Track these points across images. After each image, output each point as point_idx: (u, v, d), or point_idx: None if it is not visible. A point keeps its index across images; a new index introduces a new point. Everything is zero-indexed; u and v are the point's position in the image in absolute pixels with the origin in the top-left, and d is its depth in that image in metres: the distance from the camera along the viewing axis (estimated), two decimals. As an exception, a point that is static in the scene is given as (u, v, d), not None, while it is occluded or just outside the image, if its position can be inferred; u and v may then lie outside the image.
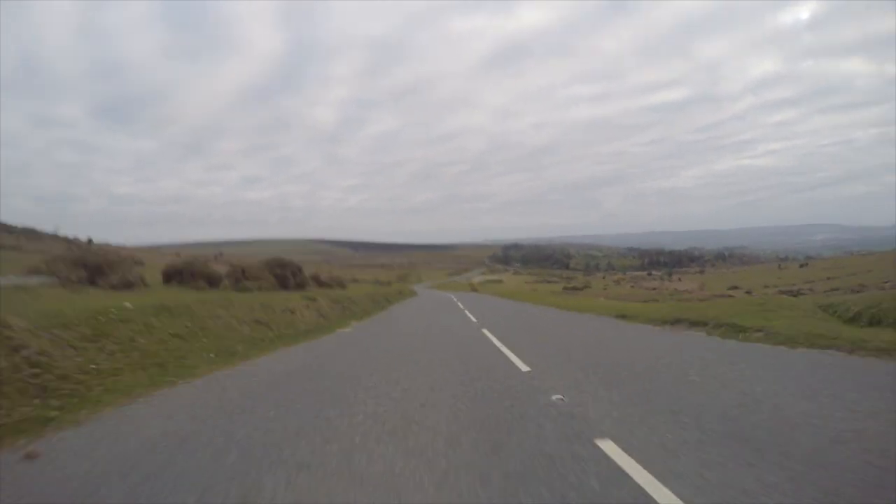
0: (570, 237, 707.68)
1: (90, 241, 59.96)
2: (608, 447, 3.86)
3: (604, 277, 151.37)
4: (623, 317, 18.07)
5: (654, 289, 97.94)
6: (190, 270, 17.72)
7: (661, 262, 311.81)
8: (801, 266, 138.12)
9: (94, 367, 6.54)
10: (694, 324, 13.07)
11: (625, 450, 3.78)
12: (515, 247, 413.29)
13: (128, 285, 12.94)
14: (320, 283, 30.61)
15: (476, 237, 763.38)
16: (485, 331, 14.64)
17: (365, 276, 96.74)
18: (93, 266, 12.74)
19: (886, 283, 39.01)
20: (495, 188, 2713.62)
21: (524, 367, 7.86)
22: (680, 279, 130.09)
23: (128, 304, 9.43)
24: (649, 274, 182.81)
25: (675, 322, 13.96)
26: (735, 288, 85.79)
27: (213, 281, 18.22)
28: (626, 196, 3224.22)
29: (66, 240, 46.70)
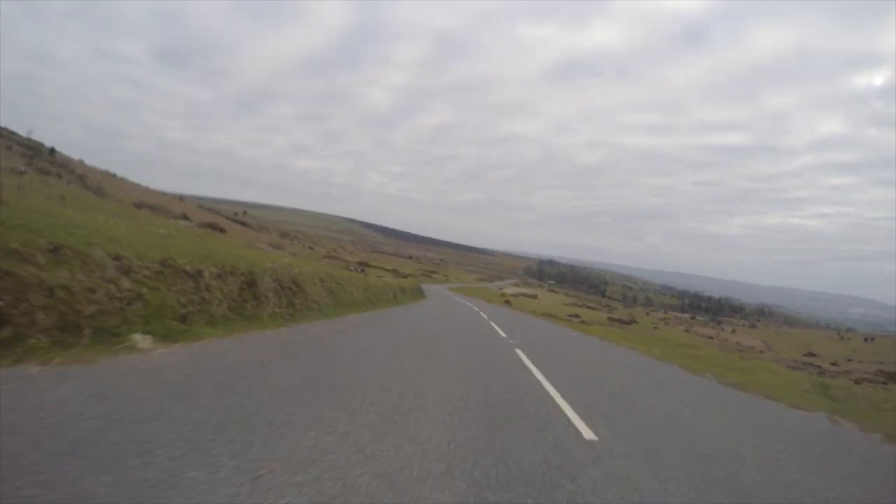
0: (605, 263, 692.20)
1: (52, 150, 51.65)
2: None
3: (648, 314, 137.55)
4: (736, 385, 11.20)
5: (711, 338, 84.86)
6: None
7: (702, 306, 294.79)
8: (867, 340, 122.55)
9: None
10: None
11: None
12: (551, 263, 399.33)
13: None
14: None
15: (511, 247, 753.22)
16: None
17: (385, 263, 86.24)
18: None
19: None
20: (539, 200, 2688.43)
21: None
22: (734, 331, 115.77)
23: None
24: (693, 318, 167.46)
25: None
26: (812, 355, 72.49)
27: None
28: (669, 233, 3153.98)
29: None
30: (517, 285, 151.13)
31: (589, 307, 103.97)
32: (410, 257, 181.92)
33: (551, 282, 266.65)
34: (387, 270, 56.15)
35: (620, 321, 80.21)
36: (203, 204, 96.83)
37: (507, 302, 64.29)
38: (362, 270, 41.95)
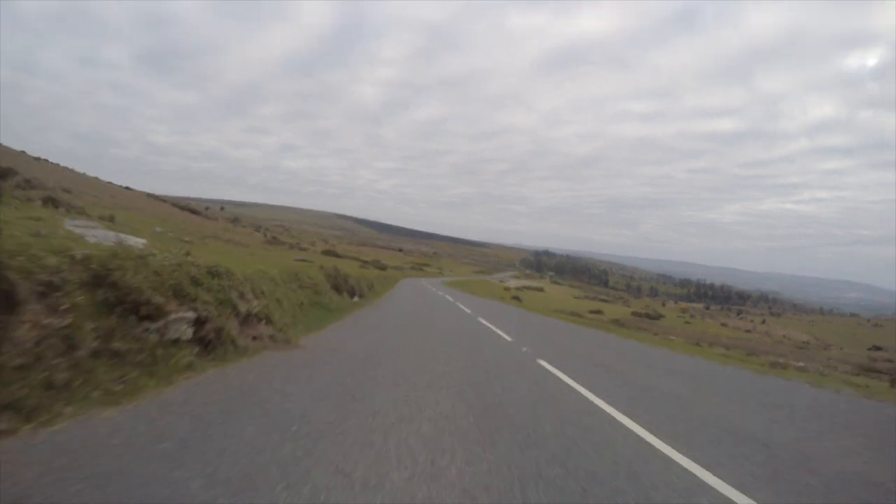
0: (599, 253, 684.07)
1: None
2: None
3: (664, 304, 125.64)
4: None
5: (749, 331, 73.12)
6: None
7: (708, 295, 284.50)
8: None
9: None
10: None
11: None
12: (547, 254, 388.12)
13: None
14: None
15: (506, 239, 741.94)
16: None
17: (367, 255, 74.01)
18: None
19: None
20: (533, 192, 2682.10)
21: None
22: (764, 321, 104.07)
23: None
24: (707, 308, 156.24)
25: None
26: (878, 349, 60.80)
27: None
28: (664, 221, 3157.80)
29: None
30: (518, 277, 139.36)
31: (603, 300, 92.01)
32: (401, 249, 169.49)
33: (550, 273, 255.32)
34: (363, 262, 43.67)
35: (647, 316, 68.73)
36: (182, 203, 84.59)
37: (516, 298, 52.04)
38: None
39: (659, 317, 70.94)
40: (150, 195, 61.12)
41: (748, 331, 74.05)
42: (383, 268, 44.68)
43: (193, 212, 51.73)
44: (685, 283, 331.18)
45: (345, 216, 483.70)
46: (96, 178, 55.14)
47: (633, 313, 69.09)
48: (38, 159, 46.98)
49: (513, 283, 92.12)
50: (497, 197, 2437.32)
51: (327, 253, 42.62)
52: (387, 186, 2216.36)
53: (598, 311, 56.24)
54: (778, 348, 43.82)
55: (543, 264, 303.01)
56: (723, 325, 76.69)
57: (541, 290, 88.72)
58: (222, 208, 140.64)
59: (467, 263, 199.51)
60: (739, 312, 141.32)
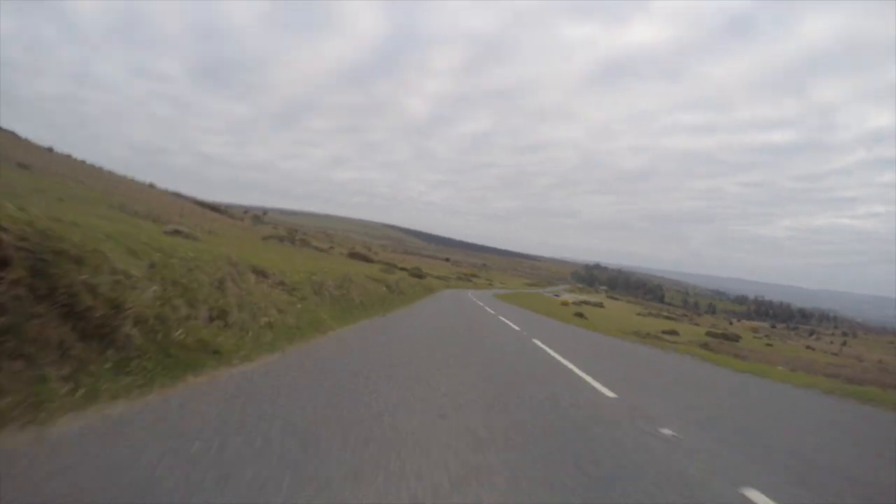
0: (649, 268, 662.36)
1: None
2: None
3: (731, 323, 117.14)
4: None
5: (836, 354, 65.35)
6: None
7: (770, 313, 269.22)
8: None
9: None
10: None
11: None
12: (598, 268, 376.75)
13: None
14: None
15: (554, 253, 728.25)
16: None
17: (409, 263, 70.13)
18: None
19: None
20: (581, 206, 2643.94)
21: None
22: (845, 343, 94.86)
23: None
24: (773, 327, 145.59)
25: None
26: None
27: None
28: (713, 236, 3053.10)
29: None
30: (572, 291, 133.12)
31: (667, 317, 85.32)
32: (448, 259, 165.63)
33: (603, 287, 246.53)
34: (401, 269, 39.66)
35: (725, 337, 62.35)
36: (205, 202, 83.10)
37: (579, 315, 47.09)
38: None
39: (737, 338, 64.32)
40: (174, 193, 58.57)
41: (835, 354, 66.41)
42: (421, 276, 40.65)
43: (214, 209, 49.90)
44: (741, 299, 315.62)
45: (393, 226, 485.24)
46: (110, 172, 50.68)
47: (708, 333, 62.86)
48: (49, 149, 43.77)
49: (569, 298, 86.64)
50: (546, 210, 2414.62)
51: (354, 256, 39.07)
52: (435, 199, 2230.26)
53: (673, 332, 50.63)
54: None
55: (595, 278, 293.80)
56: (808, 347, 69.19)
57: (600, 305, 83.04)
58: (265, 213, 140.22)
59: (518, 276, 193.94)
60: (812, 333, 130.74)
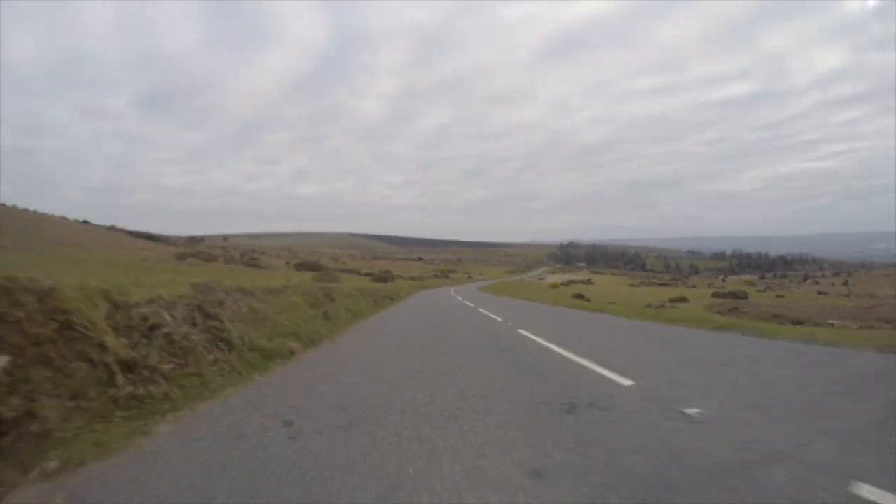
0: (623, 239, 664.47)
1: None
2: None
3: (724, 280, 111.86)
4: None
5: (847, 296, 59.74)
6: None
7: (751, 265, 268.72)
8: None
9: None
10: None
11: None
12: (573, 245, 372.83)
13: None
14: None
15: (526, 238, 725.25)
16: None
17: (383, 269, 63.21)
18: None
19: None
20: (547, 187, 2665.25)
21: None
22: (846, 283, 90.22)
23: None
24: (762, 278, 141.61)
25: None
26: None
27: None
28: (682, 198, 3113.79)
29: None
30: (553, 272, 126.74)
31: (663, 285, 79.33)
32: (420, 259, 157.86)
33: (581, 264, 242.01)
34: (360, 276, 31.94)
35: (733, 296, 56.18)
36: (143, 233, 75.01)
37: (580, 296, 40.10)
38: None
39: (745, 295, 58.15)
40: (110, 227, 52.22)
41: (846, 296, 60.89)
42: (384, 279, 33.30)
43: (149, 238, 42.92)
44: (719, 256, 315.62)
45: (360, 234, 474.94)
46: (35, 212, 45.71)
47: (714, 294, 56.61)
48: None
49: (552, 279, 79.78)
50: (514, 196, 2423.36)
51: (302, 267, 31.65)
52: (401, 200, 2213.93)
53: (682, 299, 43.90)
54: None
55: (572, 256, 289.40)
56: (820, 293, 63.50)
57: (589, 282, 76.30)
58: (226, 238, 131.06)
59: (495, 266, 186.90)
60: (806, 277, 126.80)
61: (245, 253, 47.16)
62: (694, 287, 77.27)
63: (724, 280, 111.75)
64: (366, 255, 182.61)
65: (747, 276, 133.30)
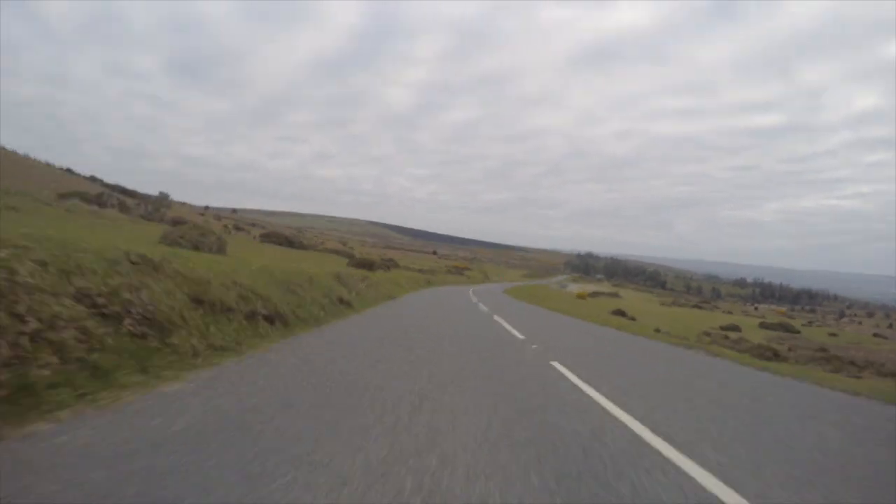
0: (639, 256, 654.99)
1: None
2: None
3: (756, 308, 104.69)
4: None
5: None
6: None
7: (776, 295, 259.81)
8: None
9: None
10: None
11: None
12: (592, 256, 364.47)
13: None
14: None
15: (542, 244, 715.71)
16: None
17: (393, 258, 57.62)
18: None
19: None
20: (568, 196, 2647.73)
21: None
22: (891, 325, 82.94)
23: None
24: (792, 309, 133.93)
25: None
26: None
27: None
28: (701, 221, 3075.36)
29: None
30: (576, 281, 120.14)
31: (696, 307, 72.73)
32: (434, 252, 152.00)
33: (599, 276, 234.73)
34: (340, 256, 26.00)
35: (784, 328, 49.74)
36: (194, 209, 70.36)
37: (621, 312, 34.05)
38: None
39: (796, 330, 51.50)
40: (93, 178, 48.20)
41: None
42: (369, 266, 27.28)
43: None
44: (741, 283, 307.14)
45: (378, 223, 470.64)
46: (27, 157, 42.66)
47: (762, 325, 50.14)
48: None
49: (577, 289, 73.47)
50: (534, 201, 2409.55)
51: (268, 238, 25.82)
52: (422, 194, 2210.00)
53: (734, 328, 37.69)
54: None
55: (591, 266, 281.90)
56: (876, 335, 56.66)
57: (616, 295, 69.88)
58: (235, 210, 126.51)
59: (510, 268, 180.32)
60: (841, 315, 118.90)
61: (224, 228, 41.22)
62: (730, 313, 70.48)
63: (755, 308, 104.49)
64: (378, 243, 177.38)
65: (775, 307, 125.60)
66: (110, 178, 47.30)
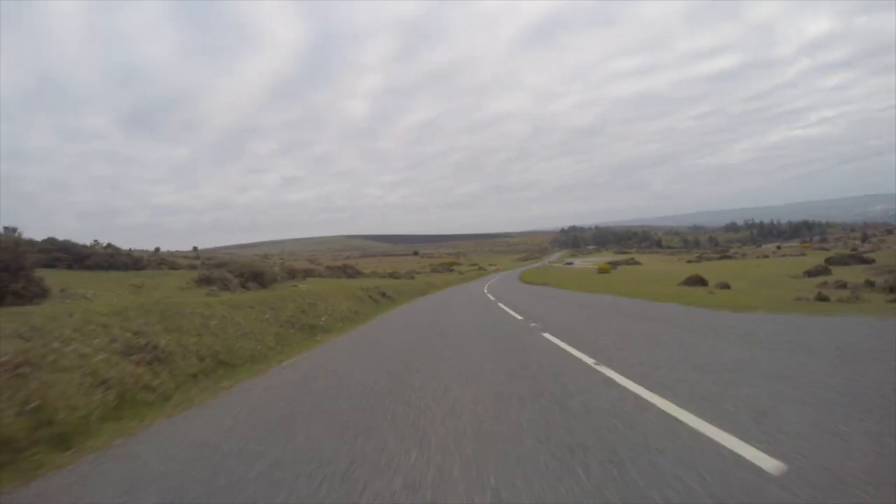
0: (621, 221, 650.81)
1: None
2: None
3: (778, 248, 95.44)
4: None
5: None
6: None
7: (774, 233, 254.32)
8: None
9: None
10: None
11: None
12: (576, 229, 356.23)
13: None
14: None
15: (525, 226, 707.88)
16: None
17: (371, 267, 46.24)
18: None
19: None
20: (539, 175, 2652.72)
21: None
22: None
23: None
24: (804, 244, 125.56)
25: None
26: None
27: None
28: (675, 176, 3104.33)
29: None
30: (574, 255, 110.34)
31: (723, 258, 63.16)
32: (416, 253, 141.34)
33: (590, 247, 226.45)
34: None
35: (859, 259, 40.91)
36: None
37: (702, 280, 23.60)
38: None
39: (870, 260, 42.27)
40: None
41: None
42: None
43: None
44: (732, 227, 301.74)
45: (356, 235, 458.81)
46: None
47: (827, 260, 40.87)
48: None
49: (585, 263, 63.37)
50: (506, 186, 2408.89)
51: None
52: (395, 199, 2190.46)
53: (824, 271, 27.80)
54: None
55: (580, 239, 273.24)
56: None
57: (634, 262, 59.84)
58: (195, 248, 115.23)
59: (500, 255, 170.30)
60: (865, 238, 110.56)
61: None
62: (766, 257, 60.77)
63: (779, 248, 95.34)
64: (353, 254, 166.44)
65: (795, 243, 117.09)
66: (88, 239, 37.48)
